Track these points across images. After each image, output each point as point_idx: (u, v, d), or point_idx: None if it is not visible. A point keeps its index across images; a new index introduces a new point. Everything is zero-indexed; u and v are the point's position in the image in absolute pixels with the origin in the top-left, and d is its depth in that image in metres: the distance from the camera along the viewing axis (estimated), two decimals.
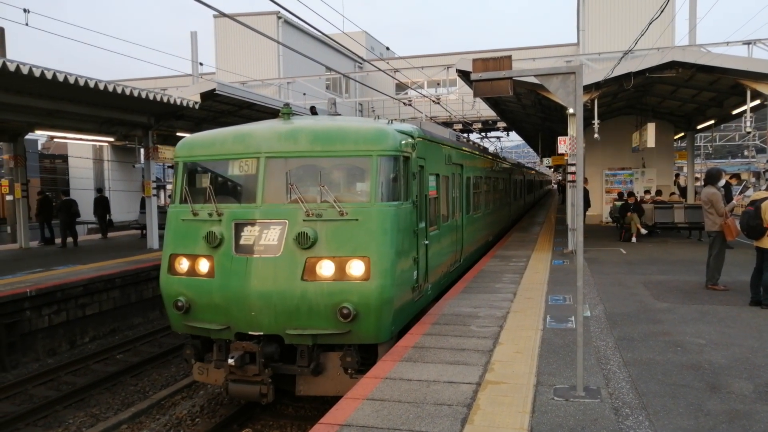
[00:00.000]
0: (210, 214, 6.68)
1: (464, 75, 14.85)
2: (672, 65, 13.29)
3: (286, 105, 7.64)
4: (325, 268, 6.27)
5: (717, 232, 9.25)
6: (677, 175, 27.04)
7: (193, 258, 6.70)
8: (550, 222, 24.04)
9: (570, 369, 5.56)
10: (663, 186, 21.67)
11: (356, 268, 6.26)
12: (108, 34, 22.01)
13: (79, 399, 8.72)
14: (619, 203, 18.14)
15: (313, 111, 8.93)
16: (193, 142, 7.31)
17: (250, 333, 6.43)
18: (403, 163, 6.99)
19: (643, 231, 16.51)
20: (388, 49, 24.70)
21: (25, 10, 10.77)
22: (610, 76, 13.21)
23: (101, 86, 11.89)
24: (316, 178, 6.51)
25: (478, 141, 16.70)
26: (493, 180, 16.15)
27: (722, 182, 9.81)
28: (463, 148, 11.74)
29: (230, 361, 6.24)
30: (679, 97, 18.27)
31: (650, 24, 10.45)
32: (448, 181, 9.98)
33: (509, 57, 4.55)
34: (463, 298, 9.01)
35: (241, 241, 6.43)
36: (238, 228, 6.50)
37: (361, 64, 37.05)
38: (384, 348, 6.54)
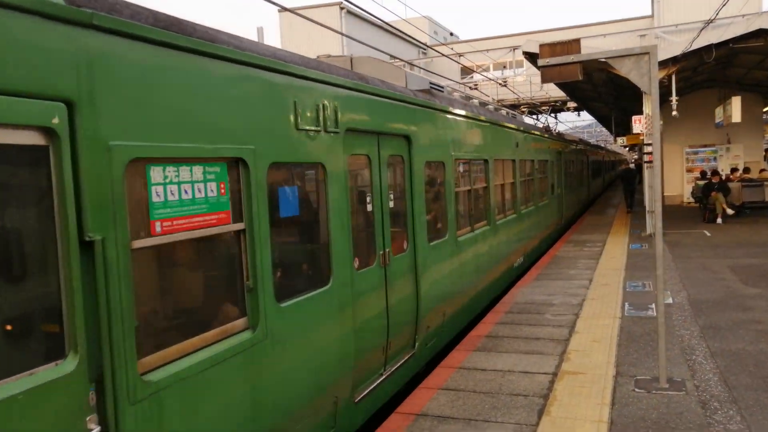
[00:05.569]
0: None
1: (531, 57, 14.48)
2: (759, 33, 12.41)
3: None
4: None
5: None
6: (767, 151, 25.29)
7: None
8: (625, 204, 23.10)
9: (651, 359, 5.38)
10: (751, 163, 20.37)
11: None
12: None
13: None
14: (701, 182, 17.23)
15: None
16: None
17: None
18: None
19: (730, 211, 15.59)
20: (451, 34, 24.39)
21: None
22: (689, 50, 12.49)
23: None
24: None
25: (511, 112, 12.74)
26: (529, 165, 11.61)
27: None
28: (446, 109, 6.69)
29: None
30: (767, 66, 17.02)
31: None
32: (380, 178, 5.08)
33: (577, 41, 4.40)
34: (536, 285, 8.86)
35: None
36: None
37: (425, 50, 36.82)
38: None
